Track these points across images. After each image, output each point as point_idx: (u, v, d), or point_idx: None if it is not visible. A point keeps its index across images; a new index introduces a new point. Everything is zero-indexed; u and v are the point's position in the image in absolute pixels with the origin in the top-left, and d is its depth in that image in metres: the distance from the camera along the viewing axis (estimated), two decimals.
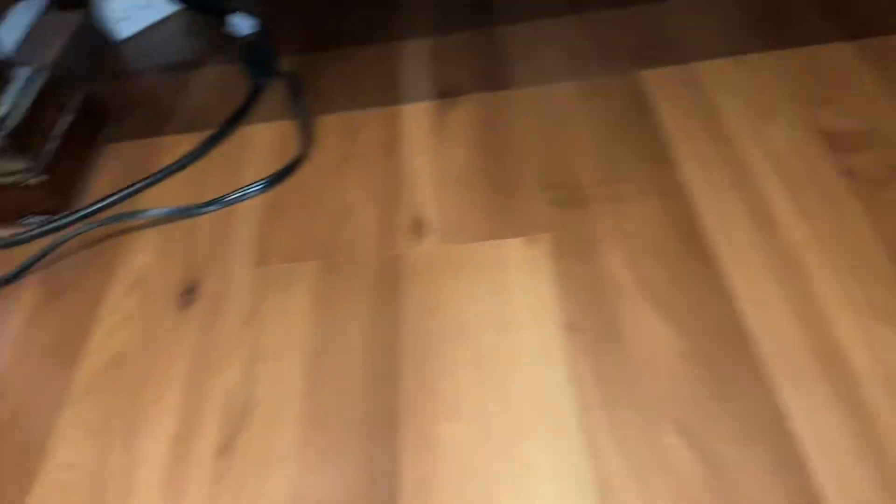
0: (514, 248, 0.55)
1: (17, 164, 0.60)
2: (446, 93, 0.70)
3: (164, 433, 0.47)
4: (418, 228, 0.58)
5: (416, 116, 0.68)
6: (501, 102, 0.68)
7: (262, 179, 0.64)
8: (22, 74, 0.64)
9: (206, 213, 0.62)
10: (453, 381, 0.47)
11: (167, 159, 0.68)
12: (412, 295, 0.53)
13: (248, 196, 0.63)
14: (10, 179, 0.61)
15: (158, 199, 0.64)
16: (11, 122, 0.60)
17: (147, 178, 0.65)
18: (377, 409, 0.47)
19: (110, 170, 0.69)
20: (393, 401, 0.47)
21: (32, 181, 0.61)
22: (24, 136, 0.61)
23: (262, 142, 0.69)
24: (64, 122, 0.66)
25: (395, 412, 0.46)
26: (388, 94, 0.71)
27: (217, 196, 0.63)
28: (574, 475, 0.42)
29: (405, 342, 0.50)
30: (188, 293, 0.56)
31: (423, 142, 0.65)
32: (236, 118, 0.71)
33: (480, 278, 0.53)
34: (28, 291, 0.58)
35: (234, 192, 0.63)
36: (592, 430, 0.44)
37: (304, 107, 0.70)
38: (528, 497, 0.41)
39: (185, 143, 0.70)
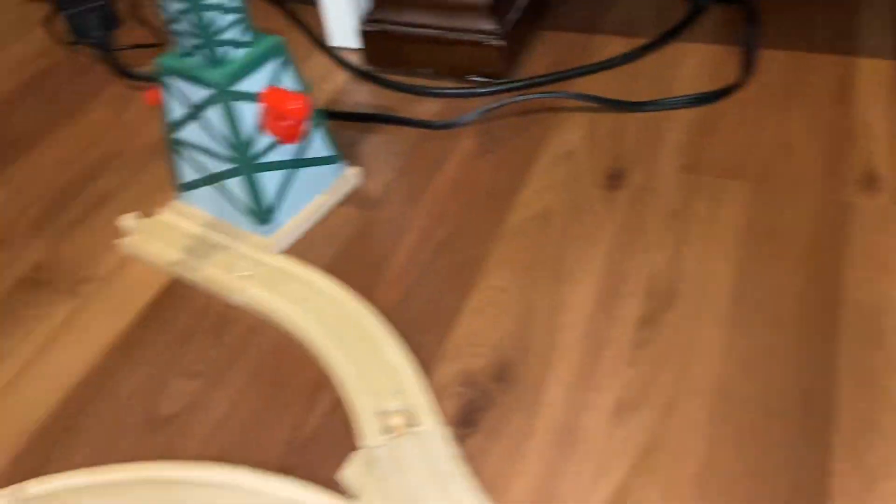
0: None
1: (488, 25, 0.66)
2: None
3: (588, 290, 0.51)
4: (870, 183, 0.54)
5: (874, 71, 0.63)
6: None
7: (696, 94, 0.64)
8: None
9: (637, 111, 0.64)
10: None
11: (595, 56, 0.71)
12: (858, 244, 0.50)
13: (678, 106, 0.63)
14: (477, 37, 0.67)
15: (587, 89, 0.67)
16: None
17: (582, 66, 0.69)
18: (811, 338, 0.45)
19: (543, 53, 0.73)
20: (829, 333, 0.45)
21: (493, 43, 0.67)
22: (499, 1, 0.67)
23: (694, 61, 0.69)
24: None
25: (830, 344, 0.45)
26: (843, 43, 0.67)
27: (645, 99, 0.65)
28: None
29: (848, 287, 0.48)
30: (614, 178, 0.58)
31: (880, 98, 0.61)
32: (673, 32, 0.71)
33: None
34: (466, 140, 0.65)
35: (665, 99, 0.64)
36: None
37: (754, 35, 0.68)
38: None
39: (614, 45, 0.72)
